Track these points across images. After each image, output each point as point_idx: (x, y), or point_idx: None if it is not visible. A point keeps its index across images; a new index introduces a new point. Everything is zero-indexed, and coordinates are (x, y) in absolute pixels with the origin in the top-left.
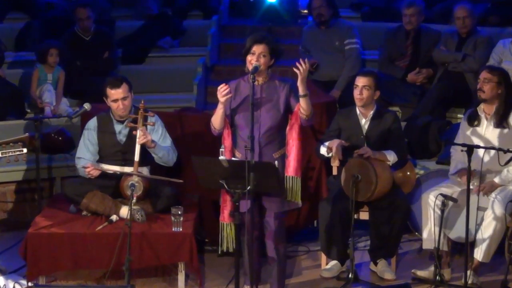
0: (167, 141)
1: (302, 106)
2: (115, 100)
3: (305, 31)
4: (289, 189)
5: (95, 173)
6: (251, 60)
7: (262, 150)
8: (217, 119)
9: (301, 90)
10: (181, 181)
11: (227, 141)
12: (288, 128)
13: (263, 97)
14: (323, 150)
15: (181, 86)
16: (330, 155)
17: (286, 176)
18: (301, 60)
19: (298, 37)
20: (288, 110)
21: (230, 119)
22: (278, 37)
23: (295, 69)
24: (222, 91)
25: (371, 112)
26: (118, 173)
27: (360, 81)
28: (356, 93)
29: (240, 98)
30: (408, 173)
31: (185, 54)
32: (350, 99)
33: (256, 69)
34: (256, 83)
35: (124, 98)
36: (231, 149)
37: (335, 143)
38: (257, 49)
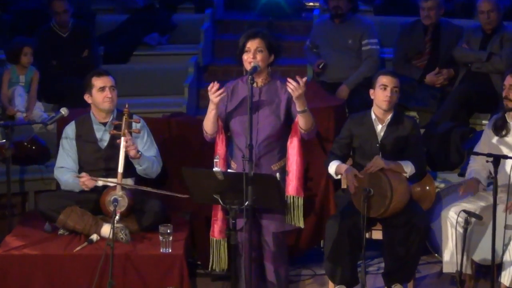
0: (152, 150)
1: (300, 122)
2: (102, 88)
3: (316, 24)
4: (290, 210)
5: (91, 184)
6: (248, 59)
7: (260, 161)
8: (208, 122)
9: (298, 106)
10: (186, 196)
11: (220, 149)
12: (288, 140)
13: (262, 101)
14: (331, 170)
15: (170, 88)
16: (339, 177)
17: (286, 196)
18: (297, 78)
19: (302, 32)
20: (290, 118)
21: (224, 124)
22: (280, 33)
23: (287, 87)
24: (214, 89)
25: (389, 117)
26: (99, 184)
27: (391, 81)
28: (384, 94)
29: (237, 101)
30: (427, 187)
31: (174, 52)
32: (359, 103)
33: (255, 69)
34: (255, 85)
35: (112, 87)
36: (225, 157)
37: (344, 169)
38: (252, 44)
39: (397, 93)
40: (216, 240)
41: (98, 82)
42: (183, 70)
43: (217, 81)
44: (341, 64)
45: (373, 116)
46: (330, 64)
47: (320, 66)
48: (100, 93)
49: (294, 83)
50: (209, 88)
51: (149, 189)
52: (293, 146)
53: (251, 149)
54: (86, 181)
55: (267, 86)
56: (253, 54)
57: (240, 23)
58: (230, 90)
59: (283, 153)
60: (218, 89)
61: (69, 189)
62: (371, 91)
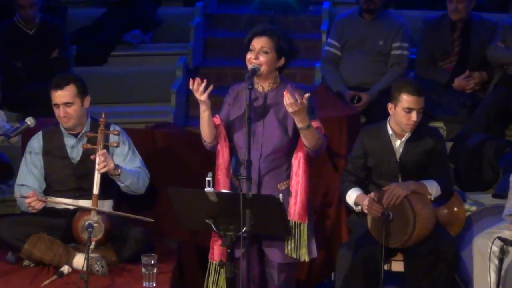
0: (136, 161)
1: (303, 139)
2: (56, 106)
3: (339, 20)
4: (292, 239)
5: (38, 205)
6: (250, 59)
7: (263, 179)
8: (203, 127)
9: (296, 122)
10: (150, 220)
11: (222, 158)
12: (293, 155)
13: (268, 108)
14: (349, 200)
15: (155, 94)
16: (359, 208)
17: (289, 221)
18: (296, 95)
19: (310, 29)
20: (298, 131)
21: (227, 132)
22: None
23: (285, 101)
24: (195, 87)
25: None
26: (71, 207)
27: (416, 103)
28: (408, 118)
29: (240, 107)
30: (456, 209)
31: (159, 52)
32: (378, 112)
33: (254, 71)
34: (260, 89)
35: (67, 104)
36: (226, 170)
37: (364, 200)
38: (257, 43)
39: (422, 112)
40: (215, 264)
41: (52, 96)
42: (169, 73)
43: (212, 86)
44: (367, 69)
45: (389, 131)
46: (354, 68)
47: (356, 101)
48: (56, 110)
49: (290, 98)
50: (190, 86)
51: (106, 211)
52: (297, 163)
53: (249, 166)
54: (33, 202)
55: (275, 92)
56: (256, 54)
57: (236, 18)
58: (235, 94)
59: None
60: (202, 86)
61: (25, 211)
62: (390, 105)
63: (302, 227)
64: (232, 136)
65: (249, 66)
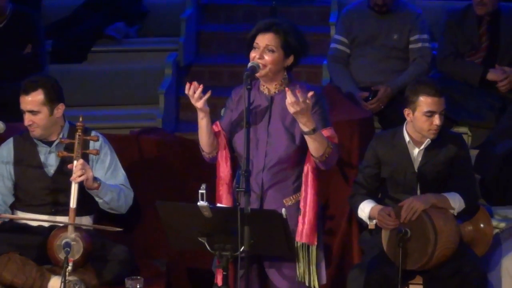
0: (119, 176)
1: (309, 146)
2: (23, 112)
3: (346, 14)
4: (300, 263)
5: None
6: (254, 58)
7: (266, 193)
8: (201, 136)
9: (301, 126)
10: (120, 229)
11: (224, 171)
12: (303, 167)
13: (274, 113)
14: (362, 214)
15: (141, 95)
16: (374, 223)
17: (296, 242)
18: (297, 92)
19: (316, 21)
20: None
21: (229, 141)
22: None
23: (287, 101)
24: (191, 92)
25: (428, 139)
26: (46, 225)
27: (438, 104)
28: (430, 123)
29: (242, 111)
30: (482, 225)
31: (146, 48)
32: (394, 117)
33: (253, 70)
34: (265, 91)
35: (32, 112)
36: (228, 185)
37: (377, 212)
38: (261, 40)
39: (444, 114)
40: None
41: (20, 101)
42: (157, 71)
43: (210, 92)
44: (380, 67)
45: (407, 138)
46: (366, 66)
47: (370, 99)
48: (24, 116)
49: (291, 96)
50: (185, 91)
51: (85, 225)
52: (306, 177)
53: (248, 176)
54: None
55: (282, 95)
56: (260, 53)
57: (233, 8)
58: (237, 97)
59: (300, 184)
60: (199, 91)
61: None
62: (406, 111)
63: (311, 250)
64: (235, 145)
65: (248, 64)
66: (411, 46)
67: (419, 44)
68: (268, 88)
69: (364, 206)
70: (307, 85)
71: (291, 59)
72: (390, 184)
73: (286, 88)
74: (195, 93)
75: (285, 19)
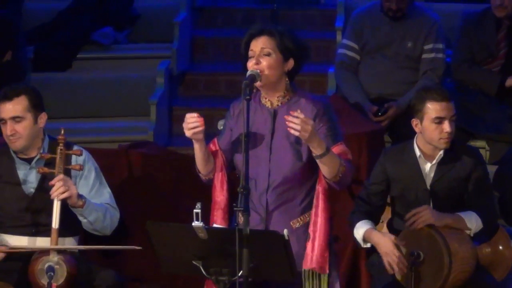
0: (104, 195)
1: (321, 169)
2: (3, 121)
3: (356, 16)
4: None
5: None
6: (251, 67)
7: (271, 215)
8: (197, 159)
9: (314, 150)
10: (138, 248)
11: (219, 195)
12: (316, 187)
13: (277, 129)
14: (357, 234)
15: (130, 106)
16: (368, 246)
17: (304, 270)
18: (293, 113)
19: (320, 26)
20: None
21: (228, 159)
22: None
23: (291, 131)
24: (189, 122)
25: (441, 152)
26: (27, 250)
27: (446, 109)
28: (440, 130)
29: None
30: (501, 247)
31: (136, 54)
32: (405, 130)
33: (252, 79)
34: (267, 104)
35: (16, 119)
36: (224, 211)
37: (377, 238)
38: (256, 45)
39: (455, 120)
40: None
41: (0, 109)
42: (148, 80)
43: (202, 127)
44: (392, 77)
45: (417, 152)
46: (377, 75)
47: (381, 113)
48: (3, 127)
49: (295, 120)
50: (186, 118)
51: (74, 247)
52: (317, 199)
53: (247, 194)
54: None
55: (286, 107)
56: (256, 58)
57: (231, 12)
58: (237, 111)
59: (308, 204)
60: (194, 122)
61: None
62: (414, 121)
63: (322, 279)
64: (237, 165)
65: (247, 73)
66: (424, 55)
67: (432, 55)
68: (270, 100)
69: (360, 226)
70: (312, 96)
71: (291, 63)
72: (400, 203)
73: (286, 116)
74: (190, 124)
75: (280, 23)
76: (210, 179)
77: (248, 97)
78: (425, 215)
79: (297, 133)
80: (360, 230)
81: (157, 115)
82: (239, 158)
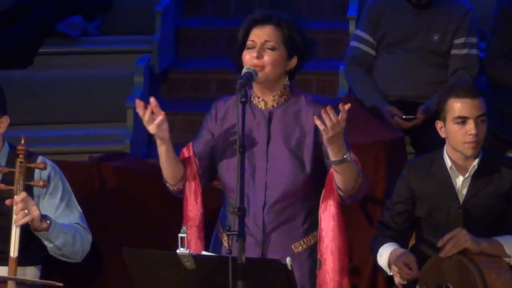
0: (73, 214)
1: (336, 178)
2: None
3: (373, 3)
4: None
5: None
6: (250, 59)
7: (269, 238)
8: (163, 164)
9: (331, 153)
10: (59, 284)
11: (192, 210)
12: (321, 205)
13: (274, 133)
14: (381, 260)
15: (104, 111)
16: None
17: None
18: (341, 106)
19: (329, 16)
20: (321, 165)
21: (208, 168)
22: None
23: (316, 122)
24: (140, 108)
25: (475, 163)
26: None
27: (472, 107)
28: (464, 132)
29: (232, 132)
30: None
31: (110, 49)
32: (433, 134)
33: (249, 77)
34: (261, 105)
35: None
36: (198, 228)
37: (403, 262)
38: (258, 36)
39: (485, 122)
40: None
41: None
42: (125, 79)
43: (163, 115)
44: (415, 75)
45: (448, 163)
46: (397, 74)
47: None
48: None
49: (331, 116)
50: (137, 108)
51: (26, 279)
52: (327, 217)
53: (242, 216)
54: None
55: (283, 108)
56: (258, 51)
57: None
58: (222, 113)
59: (313, 223)
60: (148, 113)
61: None
62: (439, 124)
63: None
64: (221, 176)
65: (243, 70)
66: (454, 51)
67: (465, 51)
68: (264, 100)
69: (383, 251)
70: (313, 96)
71: (294, 62)
72: (428, 225)
73: (328, 107)
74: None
75: (284, 11)
76: (179, 190)
77: (243, 99)
78: (462, 237)
79: (322, 127)
80: (385, 254)
81: (135, 121)
82: (225, 169)
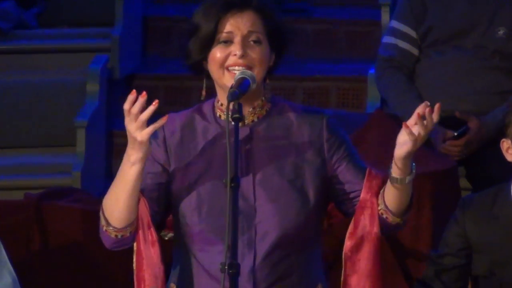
0: (3, 278)
1: (392, 200)
2: None
3: None
4: None
5: None
6: (228, 57)
7: None
8: (120, 195)
9: (400, 170)
10: None
11: (152, 257)
12: (347, 242)
13: (259, 156)
14: None
15: (46, 131)
16: None
17: None
18: (425, 107)
19: (354, 2)
20: (325, 192)
21: (162, 210)
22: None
23: (405, 131)
24: (129, 103)
25: None
26: None
27: None
28: None
29: (195, 156)
30: None
31: (55, 46)
32: (495, 164)
33: (245, 85)
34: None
35: None
36: (159, 263)
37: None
38: (237, 24)
39: None
40: None
41: None
42: (75, 88)
43: (156, 104)
44: (475, 81)
45: None
46: (448, 79)
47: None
48: None
49: (435, 117)
50: (125, 105)
51: None
52: (366, 256)
53: (236, 274)
54: None
55: (266, 124)
56: (242, 47)
57: None
58: (178, 126)
59: (317, 275)
60: (137, 107)
61: None
62: (505, 143)
63: None
64: (188, 220)
65: (227, 79)
66: None
67: None
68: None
69: None
70: (299, 105)
71: (272, 58)
72: (489, 285)
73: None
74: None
75: None
76: (125, 237)
77: (237, 115)
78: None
79: (413, 137)
80: None
81: (87, 145)
82: (196, 211)
